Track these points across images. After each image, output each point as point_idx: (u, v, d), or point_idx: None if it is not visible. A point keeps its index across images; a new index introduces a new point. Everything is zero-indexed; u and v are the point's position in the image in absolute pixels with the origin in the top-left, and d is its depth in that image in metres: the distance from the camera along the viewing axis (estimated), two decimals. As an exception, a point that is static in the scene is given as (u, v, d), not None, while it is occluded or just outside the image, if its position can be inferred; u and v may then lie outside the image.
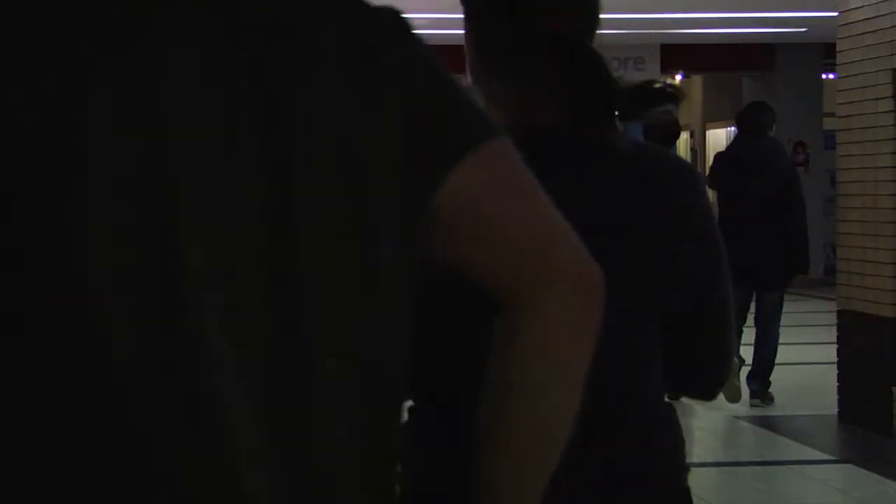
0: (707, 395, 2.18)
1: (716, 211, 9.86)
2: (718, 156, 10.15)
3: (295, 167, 1.35)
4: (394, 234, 1.40)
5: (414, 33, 1.46)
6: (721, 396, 9.67)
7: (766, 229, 9.41)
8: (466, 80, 2.19)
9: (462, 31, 2.10)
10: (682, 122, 25.18)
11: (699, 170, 13.62)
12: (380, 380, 1.41)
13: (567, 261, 1.43)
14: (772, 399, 9.99)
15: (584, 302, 1.43)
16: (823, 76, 19.55)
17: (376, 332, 1.40)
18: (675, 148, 10.22)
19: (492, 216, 1.42)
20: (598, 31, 2.05)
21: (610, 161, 1.96)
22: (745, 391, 9.71)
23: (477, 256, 1.43)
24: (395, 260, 1.40)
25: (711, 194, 9.47)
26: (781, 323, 10.30)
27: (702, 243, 2.01)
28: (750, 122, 9.68)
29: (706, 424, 9.29)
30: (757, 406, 9.85)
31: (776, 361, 10.40)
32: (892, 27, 8.21)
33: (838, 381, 8.89)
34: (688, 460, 2.06)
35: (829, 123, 16.68)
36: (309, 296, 1.36)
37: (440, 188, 1.40)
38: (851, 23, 8.68)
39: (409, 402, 1.98)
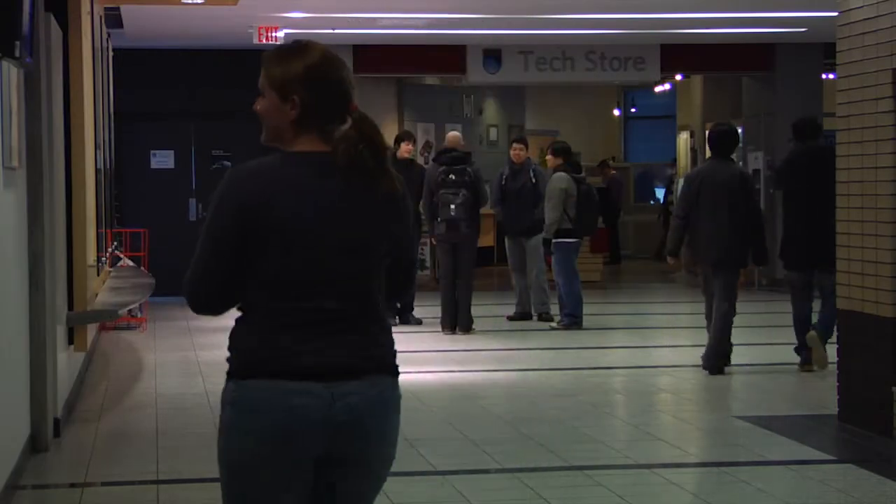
0: (400, 305, 4.61)
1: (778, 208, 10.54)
2: (783, 162, 11.55)
3: None
4: None
5: None
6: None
7: (824, 221, 10.27)
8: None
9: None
10: (682, 122, 25.23)
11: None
12: None
13: None
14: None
15: None
16: (823, 76, 19.55)
17: None
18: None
19: None
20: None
21: (368, 176, 3.42)
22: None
23: None
24: None
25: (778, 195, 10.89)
26: (781, 323, 10.62)
27: (405, 222, 3.51)
28: (804, 130, 11.19)
29: (706, 424, 9.30)
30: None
31: (778, 361, 11.45)
32: (892, 27, 8.20)
33: (838, 381, 8.88)
34: None
35: (829, 123, 16.67)
36: None
37: None
38: (851, 23, 8.67)
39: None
